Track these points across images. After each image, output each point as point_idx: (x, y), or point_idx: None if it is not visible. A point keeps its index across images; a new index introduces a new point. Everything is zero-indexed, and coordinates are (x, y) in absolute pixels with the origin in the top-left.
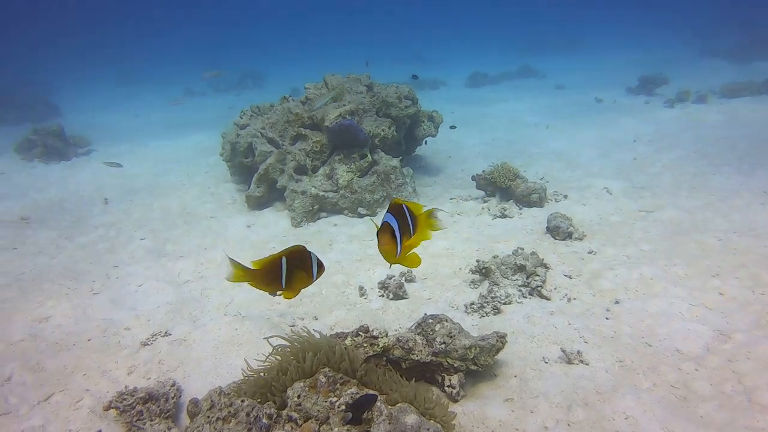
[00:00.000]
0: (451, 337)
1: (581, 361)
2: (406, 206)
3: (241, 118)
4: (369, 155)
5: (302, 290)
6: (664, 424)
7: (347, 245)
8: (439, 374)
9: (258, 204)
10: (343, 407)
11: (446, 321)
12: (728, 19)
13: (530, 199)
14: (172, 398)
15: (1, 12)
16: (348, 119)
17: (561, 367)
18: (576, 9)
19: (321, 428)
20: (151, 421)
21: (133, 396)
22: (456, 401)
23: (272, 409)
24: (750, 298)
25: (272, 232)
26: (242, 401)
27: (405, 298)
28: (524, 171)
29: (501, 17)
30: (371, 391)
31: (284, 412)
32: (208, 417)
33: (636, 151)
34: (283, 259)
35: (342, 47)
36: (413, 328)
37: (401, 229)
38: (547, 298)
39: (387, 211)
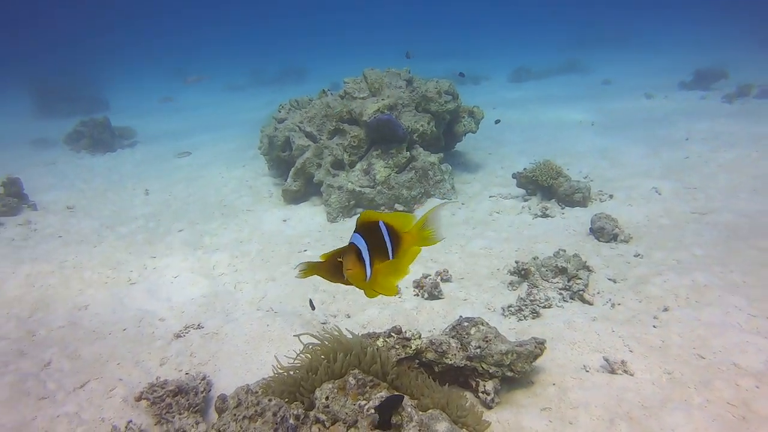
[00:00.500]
0: (486, 341)
1: (625, 372)
2: (384, 223)
3: (280, 111)
4: (407, 151)
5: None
6: None
7: None
8: (473, 379)
9: (294, 198)
10: (372, 411)
11: (482, 324)
12: None
13: (573, 198)
14: (202, 392)
15: (55, 9)
16: (386, 114)
17: (603, 377)
18: (626, 1)
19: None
20: (180, 414)
21: (163, 388)
22: (490, 408)
23: (300, 410)
24: None
25: (308, 227)
26: (269, 400)
27: (440, 298)
28: (567, 169)
29: (547, 11)
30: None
31: (312, 414)
32: (235, 415)
33: (689, 150)
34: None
35: (383, 43)
36: (447, 330)
37: (372, 251)
38: (590, 303)
39: (355, 230)
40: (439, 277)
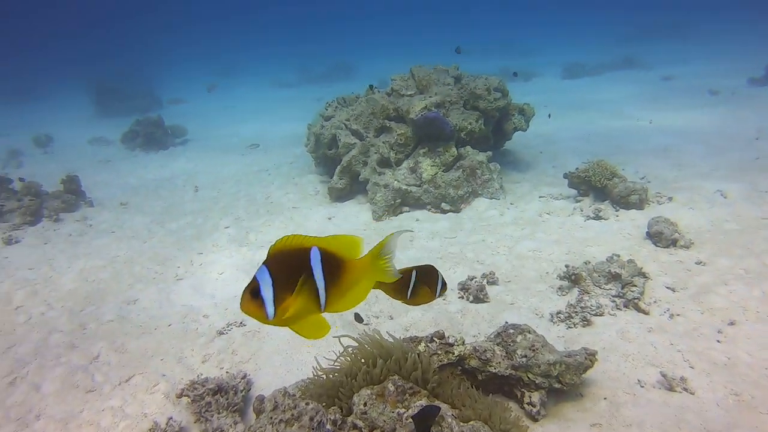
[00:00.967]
0: (533, 350)
1: (685, 389)
2: (320, 250)
3: (327, 109)
4: (455, 149)
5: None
6: None
7: (428, 242)
8: (518, 389)
9: (340, 196)
10: (410, 420)
11: (529, 332)
12: None
13: (629, 200)
14: (241, 391)
15: (113, 10)
16: (434, 111)
17: (660, 394)
18: None
19: None
20: (219, 413)
21: (203, 386)
22: (536, 421)
23: (337, 415)
24: None
25: (353, 225)
26: (306, 404)
27: (486, 301)
28: (623, 169)
29: (601, 3)
30: (442, 403)
31: (349, 420)
32: (271, 418)
33: (759, 150)
34: (414, 273)
35: (431, 43)
36: (492, 337)
37: (278, 286)
38: (646, 312)
39: (264, 261)
40: (485, 280)
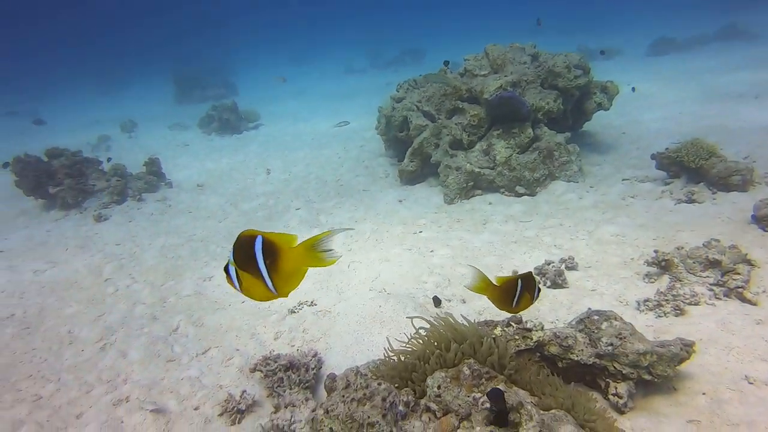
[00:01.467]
0: (620, 338)
1: None
2: (262, 238)
3: (398, 91)
4: (531, 130)
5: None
6: None
7: (502, 225)
8: (602, 379)
9: (411, 179)
10: (488, 405)
11: (615, 319)
12: None
13: (729, 181)
14: (312, 369)
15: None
16: (509, 91)
17: None
18: None
19: (461, 424)
20: (291, 389)
21: (276, 362)
22: (622, 413)
23: (410, 397)
24: None
25: (424, 208)
26: (379, 384)
27: (564, 287)
28: (720, 149)
29: None
30: (520, 390)
31: (422, 402)
32: (343, 396)
33: None
34: (520, 282)
35: (507, 19)
36: (574, 323)
37: (237, 264)
38: (753, 303)
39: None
40: (564, 265)
